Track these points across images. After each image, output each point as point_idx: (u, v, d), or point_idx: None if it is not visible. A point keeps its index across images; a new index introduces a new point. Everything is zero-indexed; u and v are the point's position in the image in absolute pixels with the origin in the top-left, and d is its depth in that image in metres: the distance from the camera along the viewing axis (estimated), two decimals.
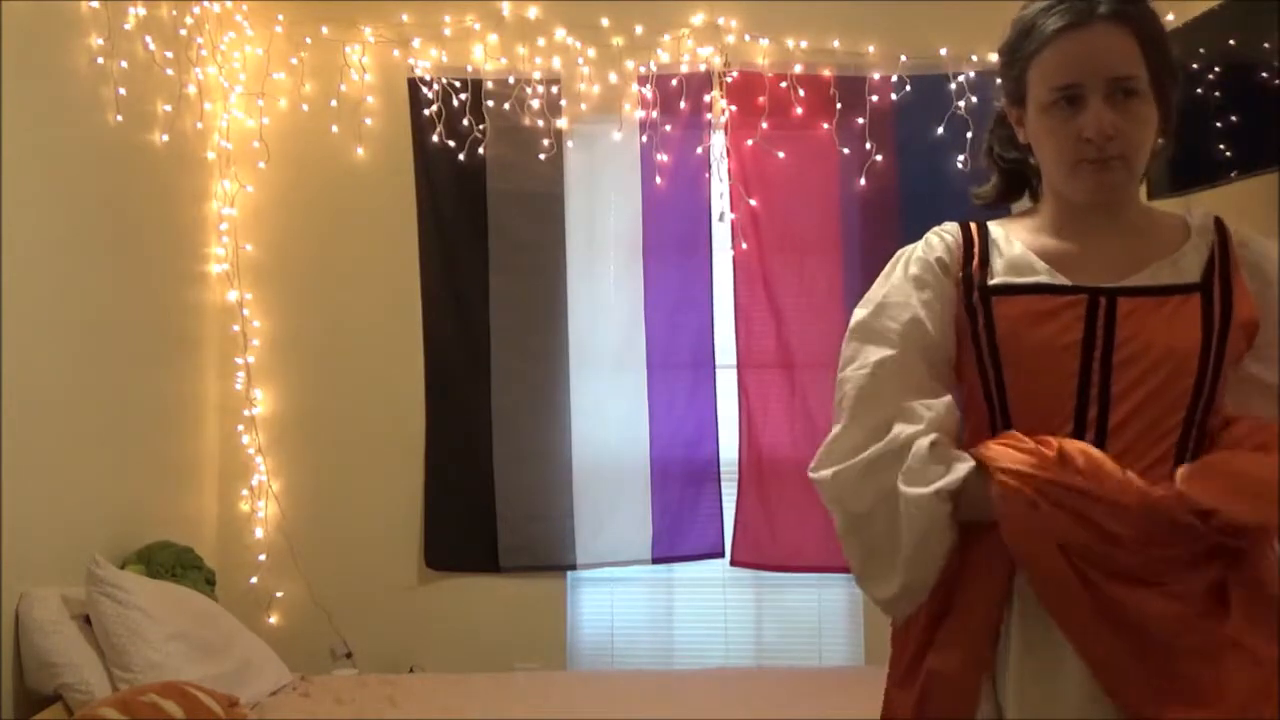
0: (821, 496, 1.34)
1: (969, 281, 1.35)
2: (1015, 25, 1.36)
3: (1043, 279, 1.33)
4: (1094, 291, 1.30)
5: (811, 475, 1.34)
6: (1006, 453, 1.24)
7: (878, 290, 1.40)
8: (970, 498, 1.24)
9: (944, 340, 1.35)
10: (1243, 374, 1.33)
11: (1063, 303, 1.30)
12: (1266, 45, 2.92)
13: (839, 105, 3.76)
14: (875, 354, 1.34)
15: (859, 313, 1.39)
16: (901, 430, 1.27)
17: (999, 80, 1.42)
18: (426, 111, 3.77)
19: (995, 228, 1.41)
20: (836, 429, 1.34)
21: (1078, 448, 1.23)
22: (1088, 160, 1.28)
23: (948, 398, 1.31)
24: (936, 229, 1.43)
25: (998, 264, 1.36)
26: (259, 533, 3.73)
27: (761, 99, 3.75)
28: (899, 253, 1.43)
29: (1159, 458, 1.27)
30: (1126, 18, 1.28)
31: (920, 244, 1.42)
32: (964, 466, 1.24)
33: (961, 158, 3.68)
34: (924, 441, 1.25)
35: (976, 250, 1.38)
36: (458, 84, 3.77)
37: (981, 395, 1.35)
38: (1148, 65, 1.29)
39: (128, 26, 3.18)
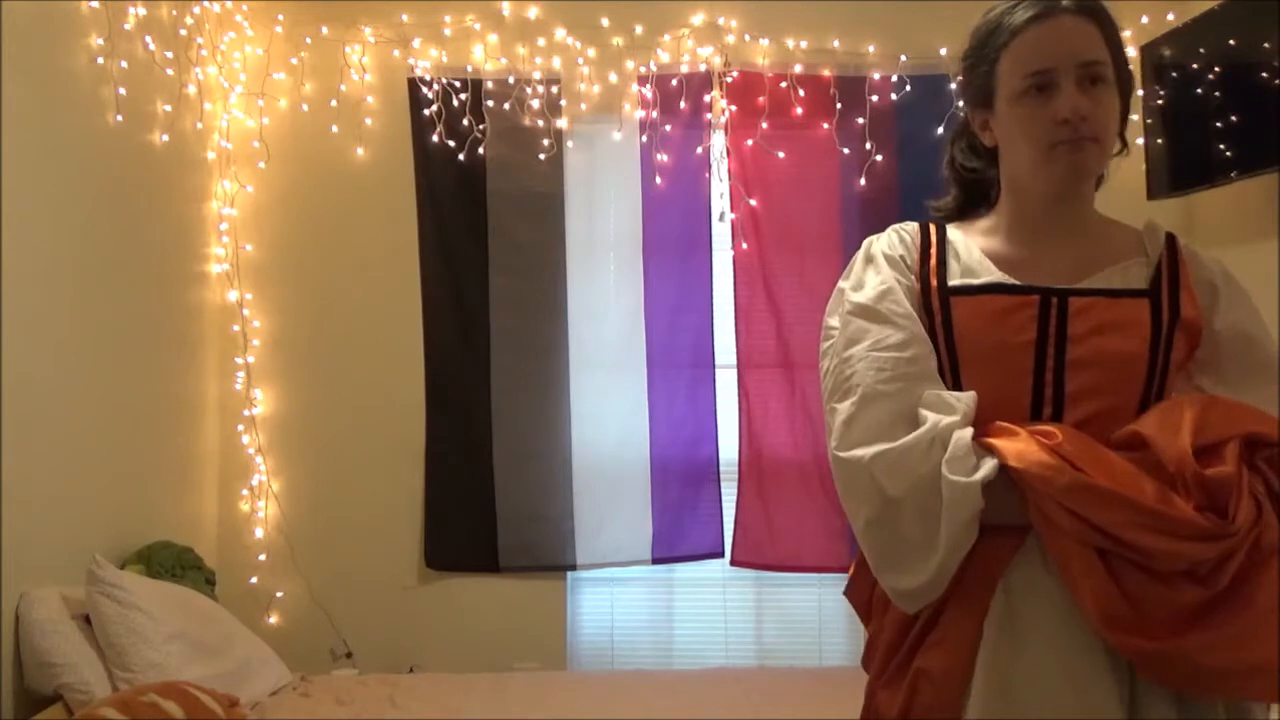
0: (847, 477, 1.28)
1: (925, 281, 1.38)
2: (977, 30, 1.40)
3: (997, 279, 1.36)
4: (1046, 292, 1.33)
5: (841, 454, 1.28)
6: (1018, 449, 1.23)
7: (867, 275, 1.41)
8: (991, 495, 1.22)
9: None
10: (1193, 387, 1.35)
11: (1016, 302, 1.33)
12: (1266, 45, 2.92)
13: (839, 105, 3.76)
14: (890, 335, 1.33)
15: (854, 295, 1.39)
16: (939, 419, 1.25)
17: (960, 88, 1.45)
18: (426, 111, 3.77)
19: (952, 230, 1.44)
20: (847, 406, 1.30)
21: (1081, 441, 1.23)
22: (1063, 141, 1.31)
23: (973, 391, 1.30)
24: (896, 226, 1.46)
25: (954, 266, 1.39)
26: (259, 533, 3.73)
27: (761, 99, 3.75)
28: (868, 242, 1.45)
29: None
30: (1090, 11, 1.33)
31: (883, 239, 1.44)
32: (992, 462, 1.23)
33: None
34: (966, 433, 1.24)
35: (934, 251, 1.41)
36: (458, 84, 3.78)
37: None
38: (1111, 57, 1.33)
39: (128, 26, 3.19)
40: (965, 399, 1.28)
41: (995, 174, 1.45)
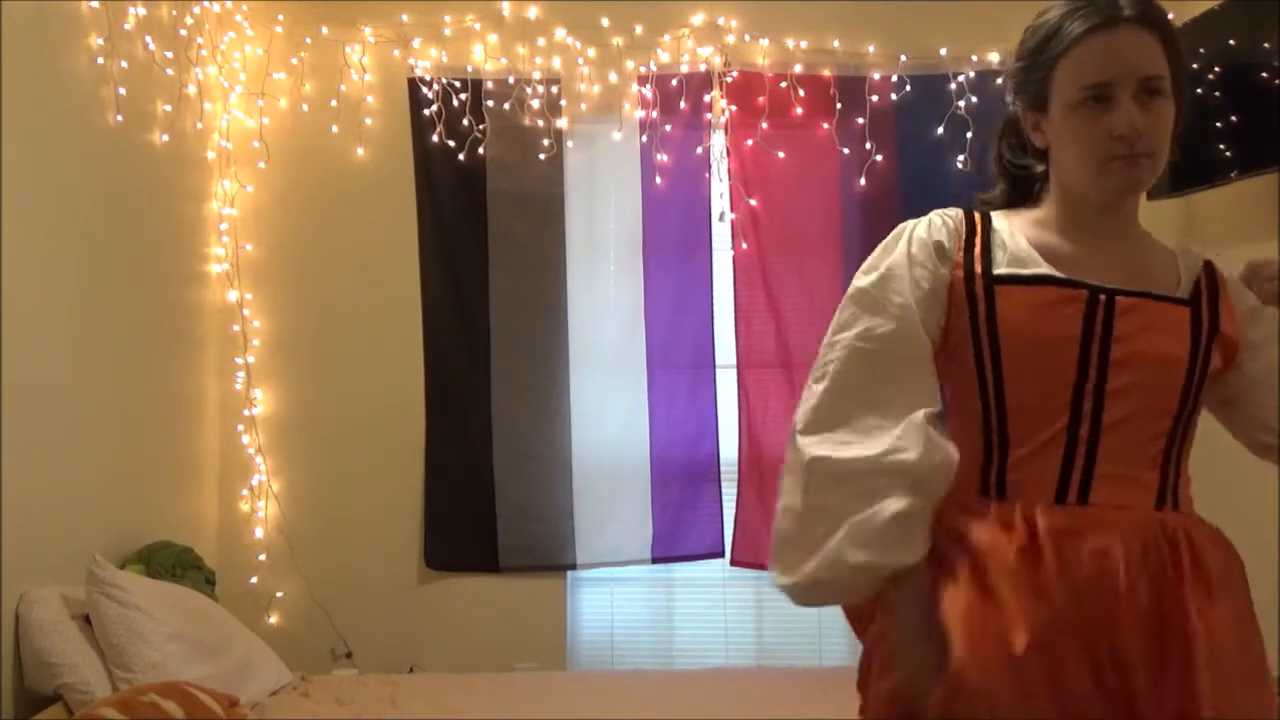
0: (791, 458, 1.32)
1: (970, 269, 1.36)
2: (1036, 30, 1.37)
3: (1045, 271, 1.34)
4: (1094, 289, 1.32)
5: (797, 437, 1.32)
6: (979, 655, 1.19)
7: (881, 259, 1.39)
8: (903, 602, 1.25)
9: (930, 324, 1.36)
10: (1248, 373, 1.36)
11: (1064, 295, 1.32)
12: (1266, 45, 2.92)
13: (839, 105, 3.76)
14: (875, 325, 1.34)
15: (860, 279, 1.38)
16: (891, 453, 1.25)
17: (1012, 86, 1.43)
18: (426, 111, 3.77)
19: (998, 219, 1.42)
20: (819, 391, 1.34)
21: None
22: (1118, 157, 1.30)
23: (955, 454, 1.27)
24: (941, 211, 1.43)
25: (1000, 255, 1.37)
26: (259, 533, 3.73)
27: (761, 99, 3.75)
28: (902, 226, 1.43)
29: (1146, 463, 1.31)
30: (1151, 20, 1.30)
31: (924, 222, 1.41)
32: (913, 564, 1.23)
33: (961, 158, 3.68)
34: (900, 507, 1.22)
35: (979, 239, 1.38)
36: (458, 84, 3.78)
37: (976, 385, 1.35)
38: (1170, 66, 1.31)
39: (128, 26, 3.18)
40: (938, 461, 1.26)
41: (1043, 171, 1.43)
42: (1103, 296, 1.31)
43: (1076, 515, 1.27)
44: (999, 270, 1.35)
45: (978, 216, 1.42)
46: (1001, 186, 1.50)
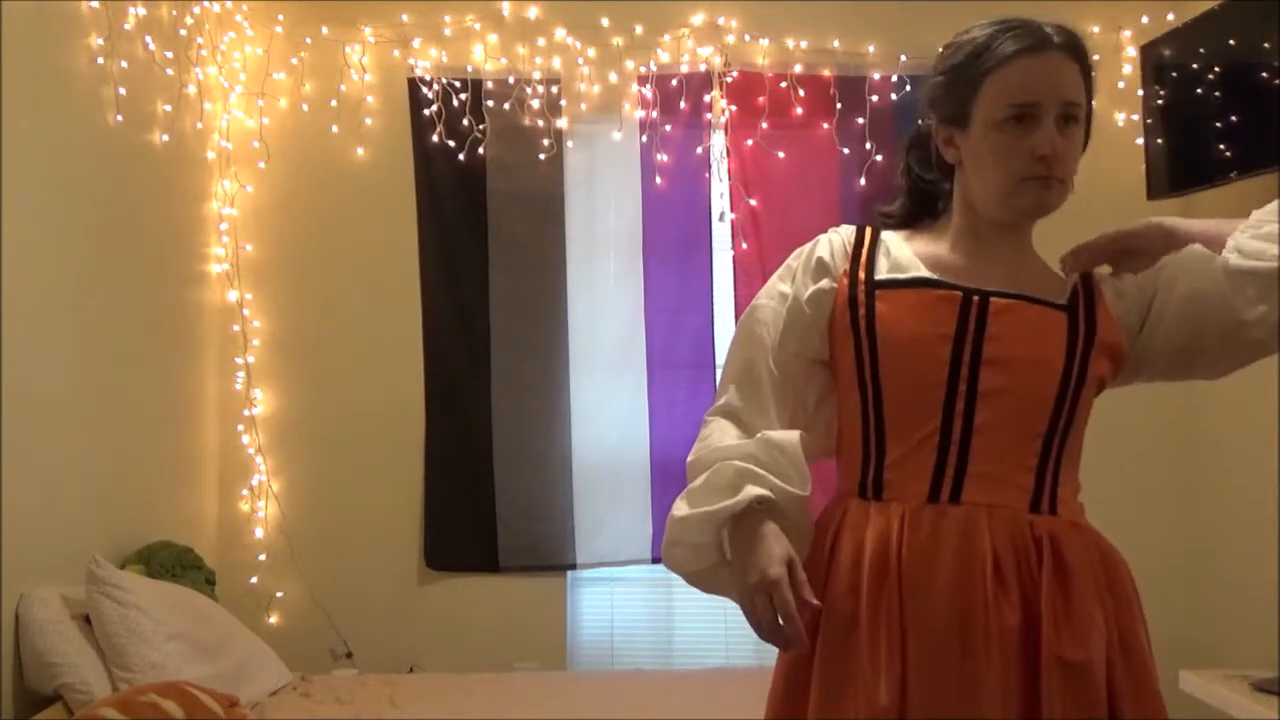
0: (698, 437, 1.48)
1: (854, 276, 1.41)
2: (961, 46, 1.39)
3: (923, 274, 1.39)
4: (969, 290, 1.36)
5: (706, 417, 1.47)
6: None
7: (760, 294, 1.49)
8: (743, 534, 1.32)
9: (796, 334, 1.43)
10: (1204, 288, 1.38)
11: (939, 296, 1.36)
12: (1266, 45, 2.92)
13: (839, 105, 3.76)
14: (739, 355, 1.47)
15: (757, 299, 1.49)
16: (728, 447, 1.38)
17: (929, 100, 1.45)
18: (426, 111, 3.77)
19: (888, 233, 1.47)
20: (715, 407, 1.48)
21: None
22: (1034, 177, 1.33)
23: (765, 437, 1.37)
24: (834, 229, 1.50)
25: (883, 263, 1.42)
26: (259, 533, 3.73)
27: (761, 99, 3.75)
28: (800, 250, 1.51)
29: (1021, 466, 1.33)
30: (1075, 50, 1.35)
31: (810, 244, 1.49)
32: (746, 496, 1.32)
33: None
34: (730, 467, 1.35)
35: (865, 250, 1.44)
36: (458, 84, 3.78)
37: (857, 389, 1.40)
38: (1086, 98, 1.36)
39: (128, 26, 3.18)
40: (766, 448, 1.35)
41: (947, 188, 1.46)
42: (976, 297, 1.35)
43: (946, 512, 1.31)
44: (880, 276, 1.40)
45: (868, 231, 1.47)
46: (903, 200, 1.53)
